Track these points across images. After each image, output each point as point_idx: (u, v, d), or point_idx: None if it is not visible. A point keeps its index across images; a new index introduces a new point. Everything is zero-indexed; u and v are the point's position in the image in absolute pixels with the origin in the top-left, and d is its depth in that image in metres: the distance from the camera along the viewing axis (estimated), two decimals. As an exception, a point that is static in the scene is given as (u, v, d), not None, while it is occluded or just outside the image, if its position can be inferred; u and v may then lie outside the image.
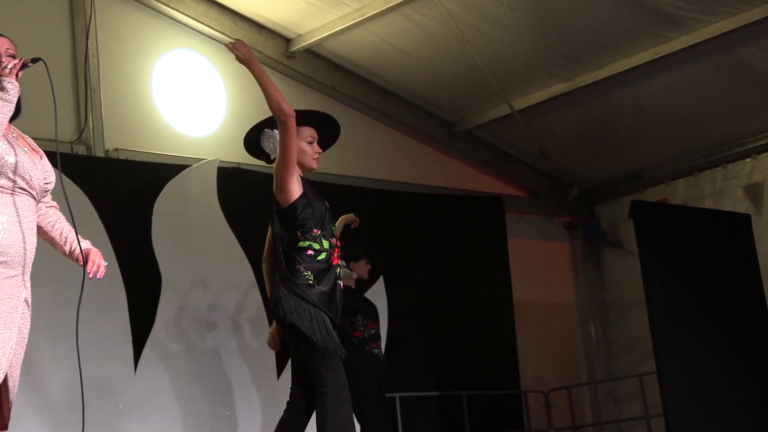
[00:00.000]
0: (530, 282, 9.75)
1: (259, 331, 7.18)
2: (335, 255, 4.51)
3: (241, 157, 7.82)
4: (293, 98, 8.32)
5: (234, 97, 7.98)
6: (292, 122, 4.43)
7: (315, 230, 4.47)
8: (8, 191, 3.31)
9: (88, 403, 6.50)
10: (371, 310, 6.77)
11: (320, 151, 4.71)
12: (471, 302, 8.94)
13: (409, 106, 9.06)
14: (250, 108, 8.08)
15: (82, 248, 3.48)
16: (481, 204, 9.41)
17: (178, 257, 7.21)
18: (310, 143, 4.67)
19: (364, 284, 7.01)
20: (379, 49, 8.19)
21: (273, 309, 4.48)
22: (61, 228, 3.59)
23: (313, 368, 4.39)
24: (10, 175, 3.30)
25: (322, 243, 4.48)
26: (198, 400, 7.05)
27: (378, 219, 8.55)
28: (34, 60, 3.45)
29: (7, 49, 3.45)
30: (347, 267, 6.64)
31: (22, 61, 3.40)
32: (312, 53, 8.36)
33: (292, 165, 4.45)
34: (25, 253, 3.32)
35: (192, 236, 7.30)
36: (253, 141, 4.81)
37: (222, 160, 7.63)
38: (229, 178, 7.65)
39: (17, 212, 3.31)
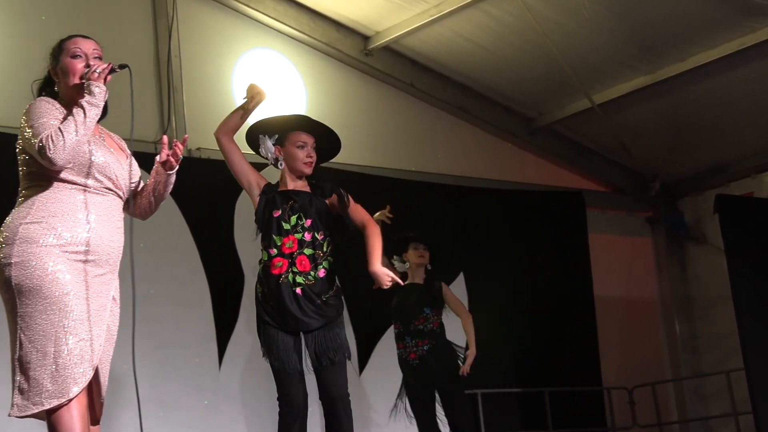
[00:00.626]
0: (612, 278, 9.63)
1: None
2: (277, 264, 4.55)
3: (321, 154, 7.91)
4: (372, 96, 8.39)
5: (313, 95, 8.04)
6: (221, 143, 4.64)
7: (263, 242, 4.65)
8: (96, 191, 3.38)
9: (177, 398, 6.65)
10: (401, 308, 6.41)
11: (313, 155, 4.69)
12: (551, 298, 8.87)
13: (487, 101, 9.01)
14: (330, 105, 8.14)
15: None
16: (561, 200, 9.32)
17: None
18: (301, 147, 4.67)
19: (429, 271, 6.54)
20: (458, 45, 8.17)
21: None
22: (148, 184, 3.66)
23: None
24: (98, 175, 3.37)
25: (262, 254, 4.65)
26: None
27: (458, 216, 8.55)
28: (122, 66, 3.50)
29: (94, 50, 3.49)
30: (401, 260, 6.51)
31: (110, 66, 3.45)
32: (390, 50, 8.37)
33: (240, 181, 4.68)
34: (113, 252, 3.39)
35: (273, 234, 7.35)
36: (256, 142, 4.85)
37: (302, 157, 7.68)
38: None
39: (104, 212, 3.37)
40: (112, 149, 3.49)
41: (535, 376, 8.57)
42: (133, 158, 3.57)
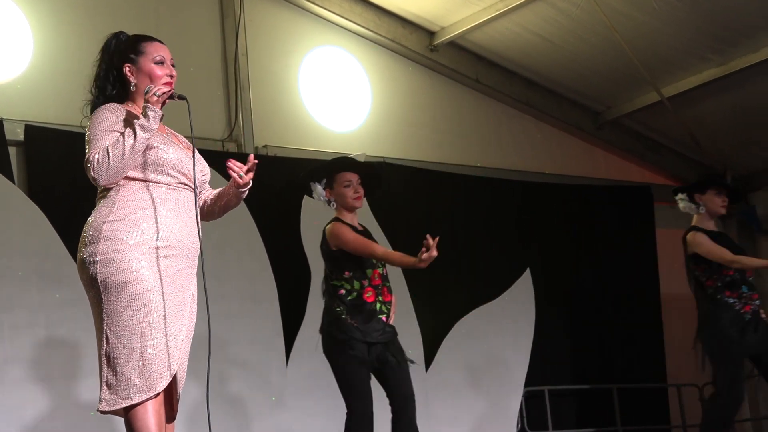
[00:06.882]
0: (681, 273, 9.44)
1: (406, 325, 7.19)
2: (368, 294, 5.10)
3: (386, 151, 7.91)
4: (437, 92, 8.37)
5: (378, 92, 8.03)
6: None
7: (354, 274, 5.17)
8: (172, 187, 3.40)
9: (245, 395, 6.69)
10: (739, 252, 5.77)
11: (359, 191, 5.16)
12: (617, 294, 8.77)
13: (554, 96, 8.93)
14: (395, 103, 8.15)
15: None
16: (628, 194, 9.21)
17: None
18: (347, 186, 5.13)
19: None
20: (523, 39, 8.09)
21: None
22: (216, 192, 3.65)
23: None
24: (171, 172, 3.39)
25: (353, 284, 5.14)
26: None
27: (524, 212, 8.48)
28: (181, 97, 3.49)
29: (171, 59, 3.53)
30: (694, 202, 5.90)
31: (171, 92, 3.46)
32: (455, 46, 8.32)
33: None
34: (192, 247, 3.41)
35: (340, 230, 7.36)
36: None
37: (368, 154, 7.69)
38: (375, 172, 7.69)
39: (181, 207, 3.40)
40: (180, 146, 3.52)
41: (600, 372, 8.50)
42: (198, 153, 3.56)
